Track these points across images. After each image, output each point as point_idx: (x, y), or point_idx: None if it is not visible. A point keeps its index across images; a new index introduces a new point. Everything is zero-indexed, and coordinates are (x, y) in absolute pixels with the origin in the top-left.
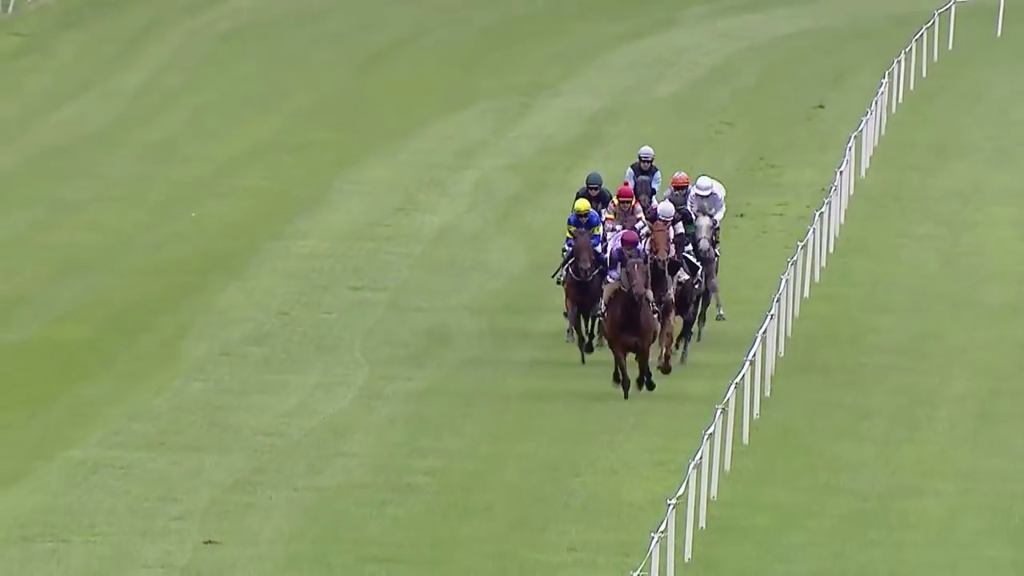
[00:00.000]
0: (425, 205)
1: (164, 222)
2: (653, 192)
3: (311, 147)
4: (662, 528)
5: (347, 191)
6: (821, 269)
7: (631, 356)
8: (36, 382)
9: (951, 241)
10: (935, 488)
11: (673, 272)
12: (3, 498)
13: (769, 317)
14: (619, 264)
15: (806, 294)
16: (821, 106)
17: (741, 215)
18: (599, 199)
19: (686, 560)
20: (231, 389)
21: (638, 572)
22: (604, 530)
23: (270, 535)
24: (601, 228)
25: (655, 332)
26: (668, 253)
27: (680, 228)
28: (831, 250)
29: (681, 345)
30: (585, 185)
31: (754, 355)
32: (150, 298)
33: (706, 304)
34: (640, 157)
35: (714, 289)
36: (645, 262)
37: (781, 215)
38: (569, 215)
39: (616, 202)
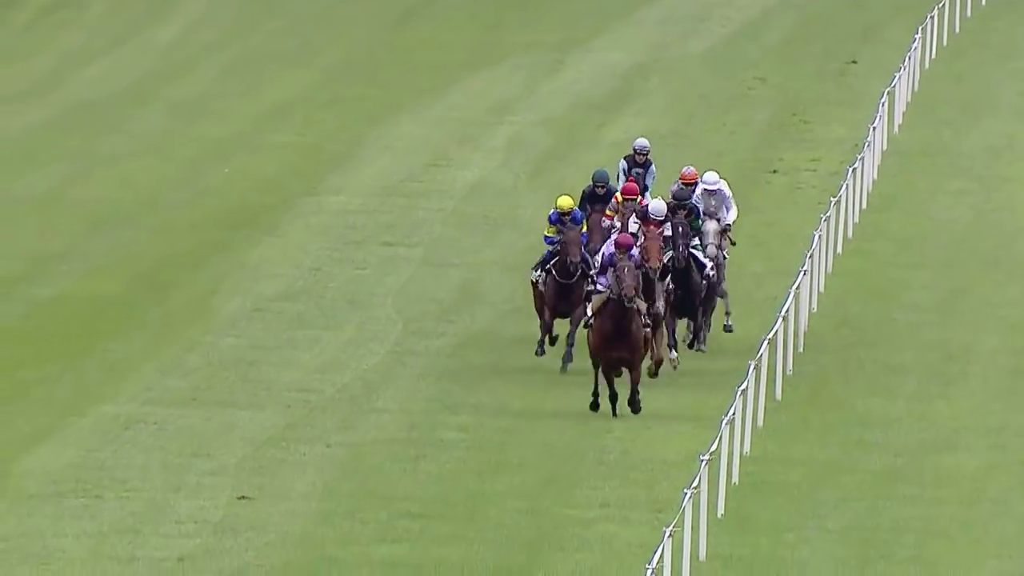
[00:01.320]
0: (457, 161)
1: (196, 178)
2: (646, 189)
3: (343, 103)
4: (695, 484)
5: (379, 147)
6: (854, 225)
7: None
8: (68, 337)
9: (983, 197)
10: (967, 444)
11: (663, 277)
12: (36, 454)
13: (802, 273)
14: (610, 269)
15: (839, 250)
16: (854, 61)
17: (774, 171)
18: (606, 197)
19: (719, 516)
20: (264, 345)
21: (670, 528)
22: (637, 486)
23: (303, 491)
24: (585, 226)
25: (647, 342)
26: (659, 262)
27: (667, 231)
28: (864, 206)
29: (673, 348)
30: (591, 183)
31: (787, 311)
32: (182, 254)
33: (712, 310)
34: (635, 149)
35: (722, 295)
36: (637, 268)
37: (814, 171)
38: (550, 212)
39: (619, 199)
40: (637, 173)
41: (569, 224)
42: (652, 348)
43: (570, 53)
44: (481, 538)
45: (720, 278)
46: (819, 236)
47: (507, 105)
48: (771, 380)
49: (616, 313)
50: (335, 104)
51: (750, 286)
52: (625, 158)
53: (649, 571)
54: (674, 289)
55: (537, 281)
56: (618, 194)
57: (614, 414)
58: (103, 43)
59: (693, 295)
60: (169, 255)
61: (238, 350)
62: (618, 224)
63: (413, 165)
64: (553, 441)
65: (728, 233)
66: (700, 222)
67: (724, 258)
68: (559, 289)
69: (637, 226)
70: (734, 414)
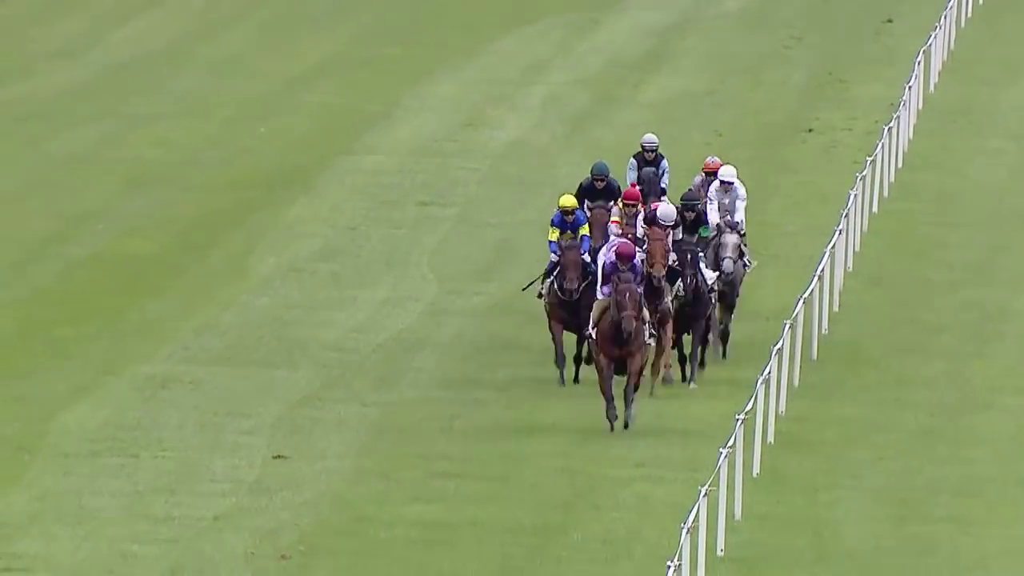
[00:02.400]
0: (493, 120)
1: (232, 137)
2: (663, 192)
3: (379, 62)
4: (730, 443)
5: (415, 106)
6: (889, 184)
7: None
8: (104, 297)
9: (1020, 155)
10: (1004, 403)
11: (672, 281)
12: (72, 413)
13: (837, 232)
14: (611, 279)
15: (875, 209)
16: (890, 20)
17: (810, 130)
18: (606, 192)
19: (754, 475)
20: (299, 304)
21: (706, 487)
22: (672, 446)
23: (338, 450)
24: (587, 228)
25: (645, 355)
26: (665, 267)
27: (680, 234)
28: (900, 165)
29: (688, 366)
30: (590, 175)
31: (822, 270)
32: (218, 213)
33: (712, 327)
34: (643, 146)
35: (722, 321)
36: (640, 281)
37: (850, 130)
38: (553, 214)
39: (621, 205)
40: (649, 173)
41: (569, 242)
42: (660, 356)
43: (606, 12)
44: (516, 497)
45: (734, 298)
46: (855, 195)
47: (542, 64)
48: (806, 340)
49: (616, 329)
50: (371, 64)
51: (786, 246)
52: (635, 156)
53: (684, 530)
54: (683, 297)
55: (543, 294)
56: (620, 200)
57: (611, 428)
58: (139, 3)
59: (698, 310)
60: (205, 215)
61: (274, 309)
62: (619, 231)
63: (449, 125)
64: (588, 401)
65: (740, 233)
66: (707, 230)
67: (745, 267)
68: (564, 305)
69: (644, 230)
70: (769, 373)
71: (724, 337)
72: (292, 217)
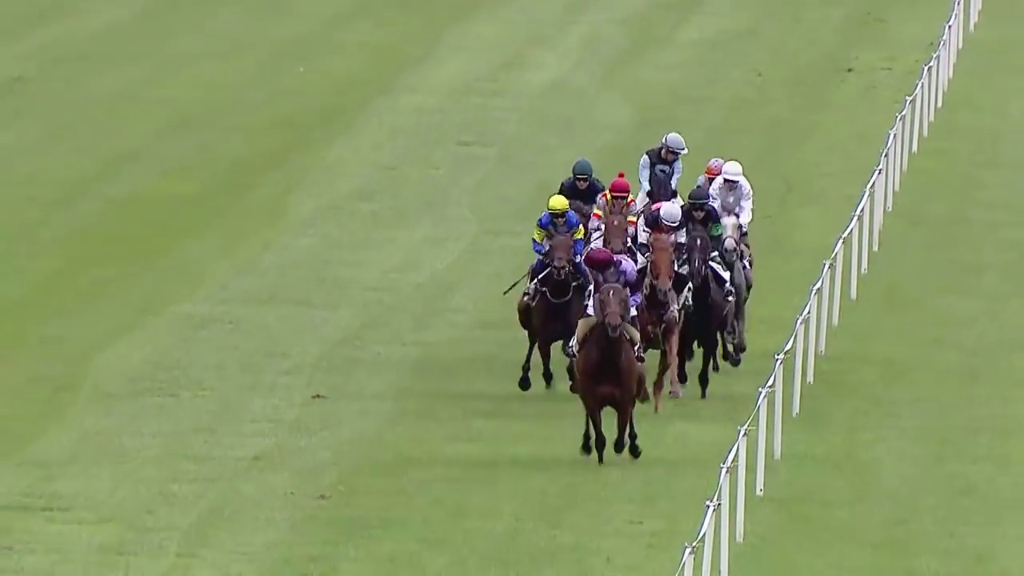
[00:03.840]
0: (532, 60)
1: (272, 78)
2: (674, 194)
3: (418, 2)
4: (769, 383)
5: (454, 47)
6: (929, 124)
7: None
8: (144, 237)
9: None
10: None
11: (679, 288)
12: (113, 352)
13: (877, 172)
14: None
15: (914, 149)
16: None
17: (849, 70)
18: (588, 192)
19: (793, 414)
20: (339, 244)
21: (745, 427)
22: (712, 383)
23: (378, 390)
24: (583, 231)
25: (640, 380)
26: (671, 279)
27: (683, 237)
28: (939, 104)
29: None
30: (572, 175)
31: (862, 210)
32: (257, 153)
33: (727, 328)
34: (667, 145)
35: (739, 317)
36: (626, 287)
37: (889, 69)
38: (542, 215)
39: (608, 197)
40: (662, 171)
41: (560, 228)
42: (665, 370)
43: None
44: (554, 436)
45: (742, 289)
46: (894, 135)
47: (582, 4)
48: (846, 279)
49: (602, 342)
50: (411, 3)
51: (825, 186)
52: (648, 153)
53: (723, 470)
54: (691, 305)
55: (527, 296)
56: (607, 191)
57: (600, 460)
58: None
59: (711, 315)
60: (245, 155)
61: (313, 249)
62: (602, 226)
63: (488, 65)
64: None
65: (745, 238)
66: (720, 228)
67: (746, 266)
68: (551, 308)
69: (648, 235)
70: (809, 313)
71: (737, 348)
72: (332, 157)
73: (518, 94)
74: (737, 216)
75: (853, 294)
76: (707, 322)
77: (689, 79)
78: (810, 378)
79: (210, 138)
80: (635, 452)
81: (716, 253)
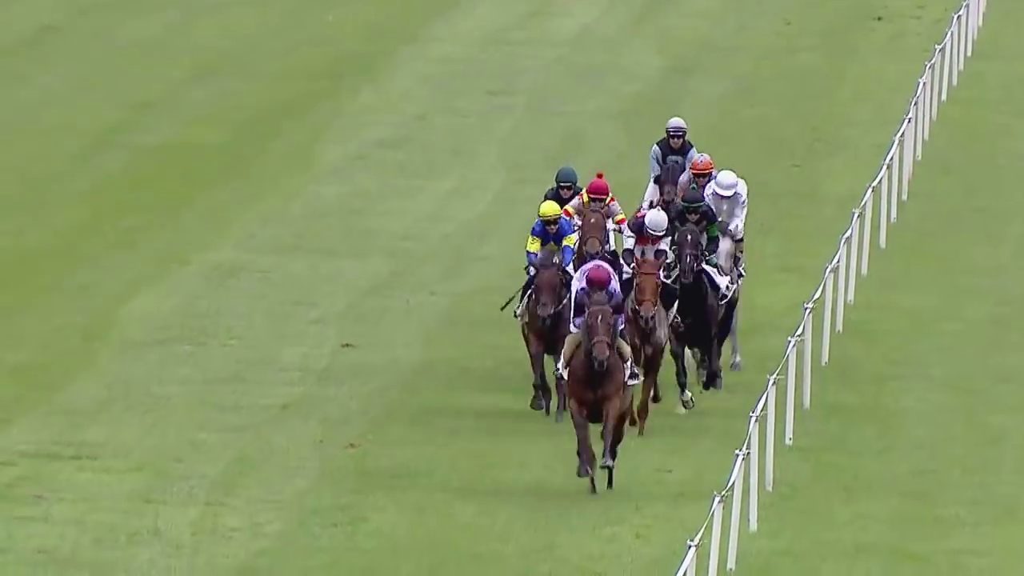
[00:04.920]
0: (560, 8)
1: (298, 25)
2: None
3: None
4: (799, 332)
5: None
6: (959, 72)
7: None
8: (171, 185)
9: None
10: None
11: (668, 304)
12: (141, 301)
13: (906, 121)
14: (584, 309)
15: (943, 98)
16: None
17: (879, 18)
18: (572, 201)
19: (823, 364)
20: (367, 193)
21: (774, 376)
22: (741, 334)
23: (407, 339)
24: (575, 238)
25: (627, 393)
26: (655, 306)
27: (665, 245)
28: (969, 53)
29: (700, 377)
30: (555, 183)
31: (891, 159)
32: (284, 102)
33: (727, 337)
34: (668, 131)
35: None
36: (618, 312)
37: (918, 18)
38: (534, 222)
39: (585, 199)
40: (673, 162)
41: (544, 260)
42: (646, 397)
43: None
44: None
45: (737, 295)
46: (923, 83)
47: None
48: (875, 228)
49: (589, 365)
50: None
51: (854, 134)
52: (658, 143)
53: (752, 419)
54: (681, 320)
55: (519, 313)
56: (584, 193)
57: (593, 489)
58: None
59: (707, 319)
60: (271, 104)
61: (341, 198)
62: (577, 221)
63: (516, 13)
64: None
65: (736, 240)
66: (716, 229)
67: (742, 274)
68: (542, 326)
69: (633, 240)
70: (838, 262)
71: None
72: (358, 106)
73: (546, 42)
74: (732, 239)
75: (882, 243)
76: (703, 326)
77: (718, 28)
78: (839, 327)
79: (237, 86)
80: (609, 481)
81: (712, 256)
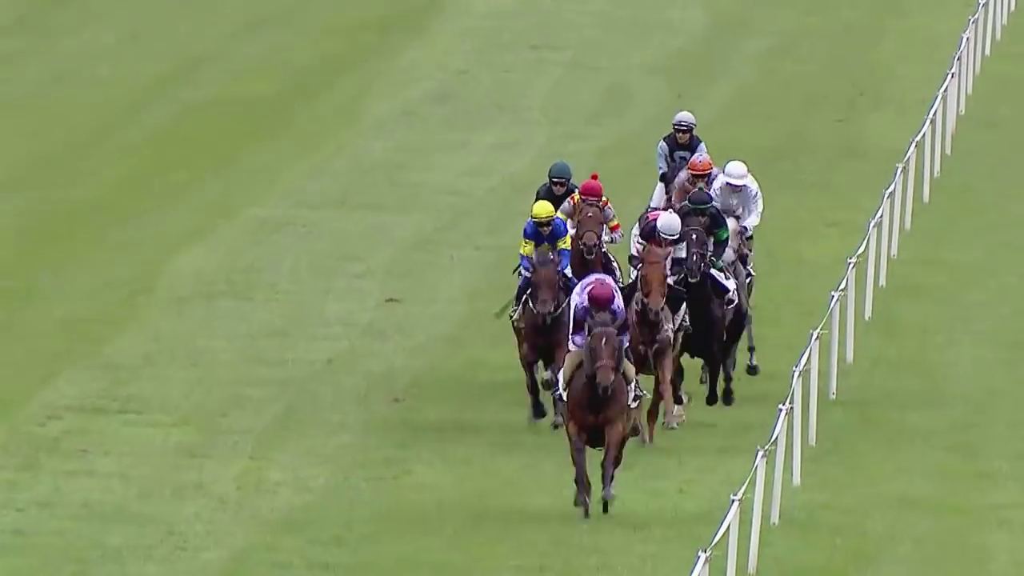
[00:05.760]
0: None
1: None
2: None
3: None
4: (842, 286)
5: None
6: (1002, 27)
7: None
8: (218, 140)
9: None
10: None
11: (675, 308)
12: (187, 255)
13: (949, 76)
14: (584, 328)
15: (987, 52)
16: None
17: None
18: (566, 198)
19: (866, 318)
20: (412, 148)
21: (818, 330)
22: (785, 289)
23: (451, 293)
24: (569, 240)
25: (629, 417)
26: (663, 297)
27: (681, 251)
28: (1012, 8)
29: (706, 387)
30: (548, 179)
31: (934, 114)
32: (331, 57)
33: (734, 344)
34: (675, 126)
35: (747, 322)
36: (624, 328)
37: None
38: (526, 223)
39: (576, 199)
40: (681, 157)
41: (544, 257)
42: (667, 386)
43: None
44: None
45: (743, 300)
46: (966, 38)
47: None
48: (918, 182)
49: (591, 389)
50: None
51: (897, 89)
52: (665, 139)
53: (796, 374)
54: (689, 326)
55: (514, 318)
56: (576, 193)
57: (586, 515)
58: None
59: (711, 327)
60: (318, 58)
61: (386, 153)
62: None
63: None
64: None
65: (746, 237)
66: (725, 232)
67: (752, 275)
68: (539, 328)
69: (642, 246)
70: (881, 217)
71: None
72: (405, 61)
73: None
74: (737, 219)
75: (926, 197)
76: (708, 335)
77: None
78: (882, 282)
79: (283, 41)
80: (605, 507)
81: (719, 259)
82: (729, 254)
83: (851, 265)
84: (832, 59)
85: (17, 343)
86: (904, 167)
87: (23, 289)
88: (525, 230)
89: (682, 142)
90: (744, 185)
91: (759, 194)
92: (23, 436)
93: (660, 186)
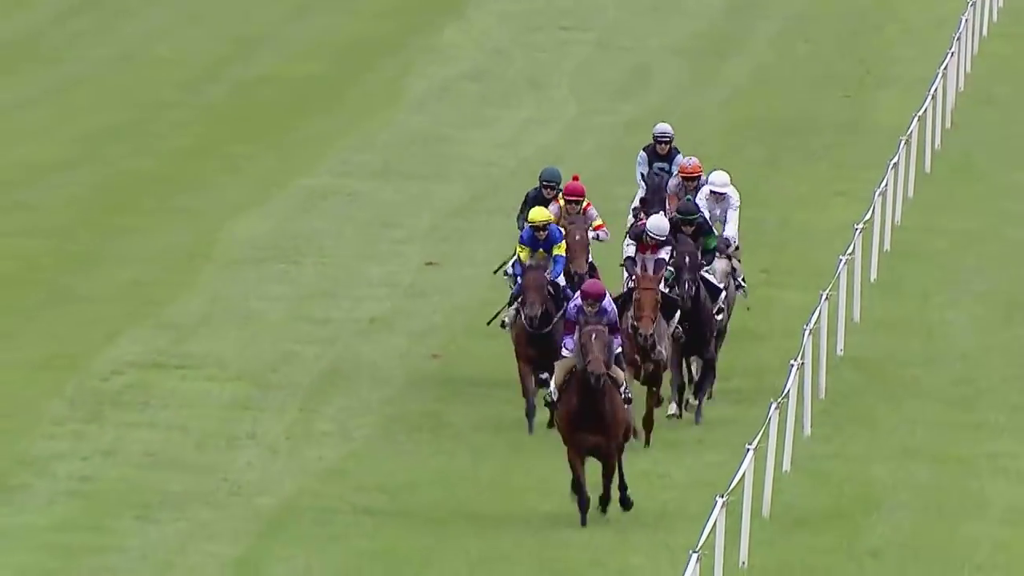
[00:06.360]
0: None
1: None
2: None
3: None
4: (849, 251)
5: None
6: (999, 9)
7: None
8: (270, 116)
9: None
10: None
11: (669, 315)
12: (240, 223)
13: (950, 55)
14: (576, 329)
15: (984, 33)
16: None
17: None
18: (551, 208)
19: (871, 280)
20: (450, 122)
21: (827, 291)
22: (795, 254)
23: (486, 257)
24: (563, 248)
25: (627, 426)
26: (654, 322)
27: (664, 253)
28: None
29: (695, 397)
30: (538, 184)
31: (935, 90)
32: (376, 38)
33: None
34: (655, 137)
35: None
36: (611, 331)
37: None
38: (522, 230)
39: (561, 203)
40: (660, 169)
41: (534, 262)
42: (654, 396)
43: None
44: None
45: (724, 318)
46: (965, 20)
47: None
48: (920, 154)
49: (584, 389)
50: None
51: (900, 68)
52: (644, 149)
53: (806, 332)
54: (683, 332)
55: (508, 325)
56: (560, 197)
57: (583, 523)
58: None
59: (704, 328)
60: (364, 39)
61: (426, 127)
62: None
63: None
64: None
65: (737, 253)
66: (713, 240)
67: (740, 287)
68: (531, 337)
69: (633, 247)
70: (886, 186)
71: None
72: (444, 42)
73: None
74: (728, 259)
75: (928, 168)
76: (702, 337)
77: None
78: (887, 247)
79: (332, 23)
80: (625, 504)
81: (707, 268)
82: (723, 267)
83: (858, 231)
84: (840, 40)
85: (84, 304)
86: (907, 140)
87: (90, 254)
88: (522, 236)
89: (661, 153)
90: (726, 193)
91: (739, 205)
92: (89, 390)
93: (641, 189)
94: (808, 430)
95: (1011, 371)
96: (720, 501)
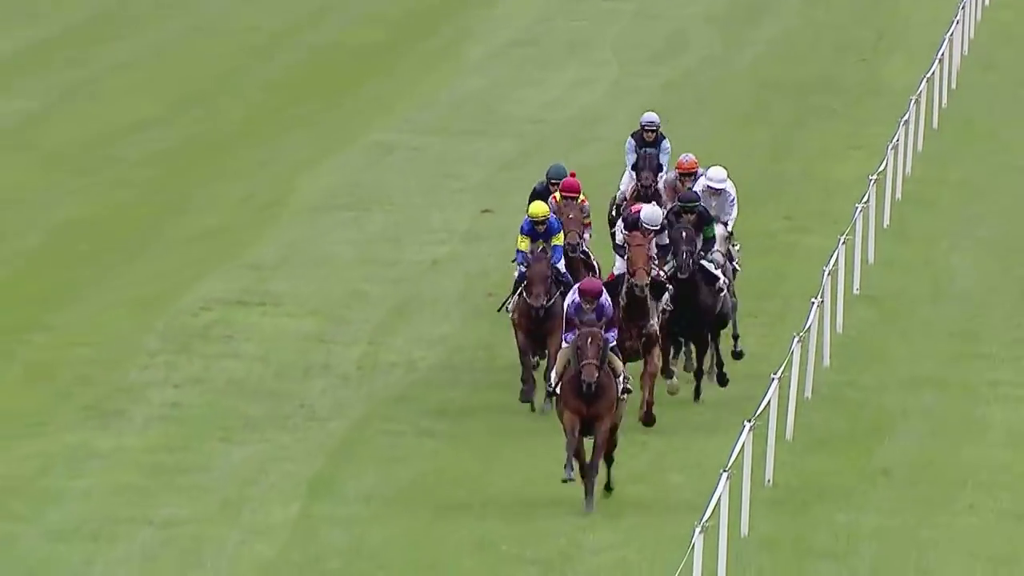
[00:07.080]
0: None
1: None
2: (660, 168)
3: None
4: (865, 199)
5: None
6: None
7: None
8: (339, 78)
9: None
10: None
11: (658, 296)
12: (314, 175)
13: (955, 23)
14: (575, 329)
15: (987, 2)
16: None
17: None
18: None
19: (884, 227)
20: (502, 84)
21: (844, 236)
22: (815, 202)
23: None
24: (563, 237)
25: (616, 409)
26: (649, 274)
27: (664, 239)
28: None
29: (693, 379)
30: (544, 179)
31: (942, 54)
32: (436, 7)
33: (719, 333)
34: (642, 125)
35: (732, 311)
36: (608, 326)
37: None
38: (522, 221)
39: (557, 198)
40: (648, 152)
41: (538, 252)
42: (648, 376)
43: None
44: None
45: (730, 293)
46: None
47: None
48: (929, 113)
49: (580, 389)
50: None
51: (911, 35)
52: (632, 135)
53: (826, 273)
54: (673, 309)
55: (510, 309)
56: (556, 192)
57: (587, 508)
58: None
59: (701, 314)
60: (425, 8)
61: (481, 88)
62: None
63: None
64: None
65: (731, 239)
66: (712, 229)
67: (736, 269)
68: (535, 320)
69: (625, 235)
70: (898, 141)
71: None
72: (498, 11)
73: None
74: (725, 225)
75: (935, 124)
76: (698, 322)
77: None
78: (899, 196)
79: None
80: (608, 488)
81: (706, 253)
82: (718, 257)
83: (872, 182)
84: (857, 9)
85: (173, 248)
86: (917, 99)
87: (179, 203)
88: (522, 227)
89: (648, 139)
90: (723, 189)
91: (735, 199)
92: (179, 325)
93: (629, 175)
94: (827, 361)
95: (1010, 308)
96: (748, 425)
